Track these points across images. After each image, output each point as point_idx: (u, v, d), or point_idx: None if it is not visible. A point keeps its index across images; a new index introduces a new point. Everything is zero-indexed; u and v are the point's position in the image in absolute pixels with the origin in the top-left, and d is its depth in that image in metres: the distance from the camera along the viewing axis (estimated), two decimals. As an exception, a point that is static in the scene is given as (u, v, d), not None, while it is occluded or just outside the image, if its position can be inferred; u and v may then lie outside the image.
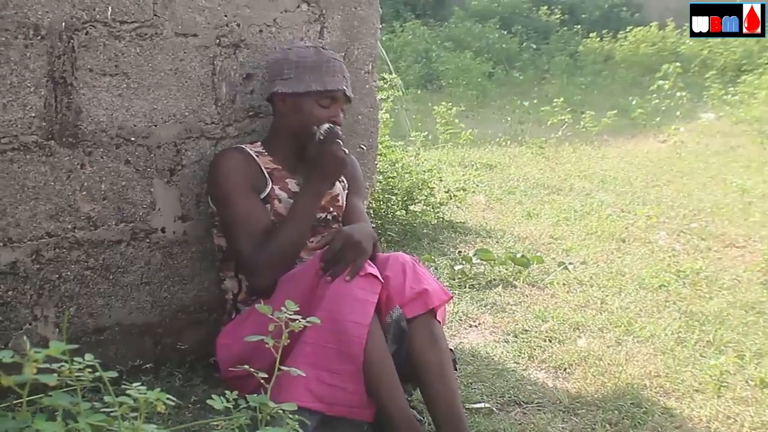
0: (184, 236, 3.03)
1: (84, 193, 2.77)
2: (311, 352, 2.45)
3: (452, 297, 2.88)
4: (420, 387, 2.65)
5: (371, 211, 4.95)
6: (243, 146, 2.92)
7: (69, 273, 2.78)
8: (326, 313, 2.41)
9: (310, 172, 2.82)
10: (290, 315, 1.86)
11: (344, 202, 3.01)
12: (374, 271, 2.55)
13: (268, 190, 2.84)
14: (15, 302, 2.68)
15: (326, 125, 2.82)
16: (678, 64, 12.25)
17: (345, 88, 2.92)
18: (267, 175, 2.86)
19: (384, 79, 6.54)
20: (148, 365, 3.00)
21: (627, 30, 16.65)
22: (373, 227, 3.09)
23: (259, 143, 2.97)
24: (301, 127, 2.86)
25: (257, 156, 2.88)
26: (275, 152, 2.93)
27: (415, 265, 2.68)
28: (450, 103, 8.81)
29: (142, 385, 1.64)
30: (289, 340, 1.86)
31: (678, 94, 11.01)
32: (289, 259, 2.74)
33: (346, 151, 2.84)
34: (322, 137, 2.80)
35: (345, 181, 3.05)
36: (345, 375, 2.45)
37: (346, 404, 2.48)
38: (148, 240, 2.94)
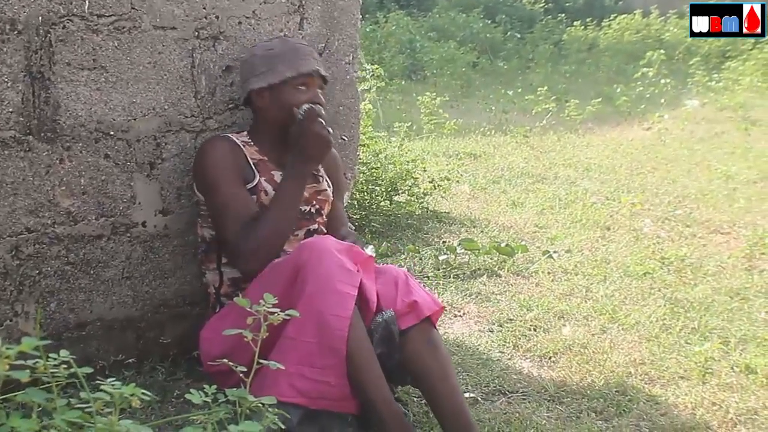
0: (165, 230, 3.01)
1: (63, 188, 2.74)
2: (293, 346, 2.44)
3: (444, 308, 2.90)
4: (423, 393, 2.68)
5: (355, 203, 4.94)
6: (229, 135, 2.89)
7: (49, 268, 2.75)
8: (307, 307, 2.40)
9: (293, 155, 2.79)
10: (269, 309, 1.84)
11: (330, 198, 2.99)
12: (351, 267, 2.53)
13: (255, 181, 2.81)
14: (-5, 299, 2.66)
15: (306, 105, 2.80)
16: (662, 51, 12.34)
17: (318, 68, 2.90)
18: (253, 167, 2.83)
19: (366, 69, 6.51)
20: (130, 360, 2.98)
21: (611, 18, 16.72)
22: (355, 218, 3.09)
23: (245, 132, 2.94)
24: (283, 117, 2.83)
25: (244, 146, 2.85)
26: (262, 143, 2.90)
27: (408, 278, 2.71)
28: (434, 93, 8.78)
29: (125, 379, 1.63)
30: (267, 334, 1.85)
31: (662, 81, 11.04)
32: (277, 245, 2.72)
33: (330, 130, 2.80)
34: (301, 117, 2.78)
35: (328, 179, 3.03)
36: (327, 368, 2.45)
37: (330, 398, 2.47)
38: (128, 234, 2.92)
